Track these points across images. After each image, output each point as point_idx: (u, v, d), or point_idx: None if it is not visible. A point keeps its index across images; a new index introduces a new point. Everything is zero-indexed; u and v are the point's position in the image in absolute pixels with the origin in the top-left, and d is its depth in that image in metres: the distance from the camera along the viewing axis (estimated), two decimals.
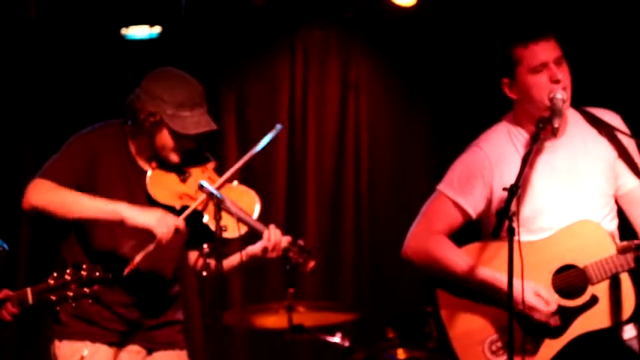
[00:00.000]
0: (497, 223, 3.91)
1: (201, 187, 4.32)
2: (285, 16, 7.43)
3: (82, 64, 7.21)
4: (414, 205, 7.02)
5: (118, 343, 4.31)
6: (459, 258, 4.28)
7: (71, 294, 3.65)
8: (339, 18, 7.44)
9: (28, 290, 3.68)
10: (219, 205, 4.25)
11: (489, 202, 4.32)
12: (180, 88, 4.35)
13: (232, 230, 4.27)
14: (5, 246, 3.82)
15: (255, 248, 4.37)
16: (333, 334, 6.16)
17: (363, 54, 7.67)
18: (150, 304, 4.35)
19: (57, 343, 4.29)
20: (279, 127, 4.56)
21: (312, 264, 4.41)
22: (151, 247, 4.17)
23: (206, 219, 4.32)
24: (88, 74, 7.22)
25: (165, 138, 4.32)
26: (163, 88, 4.32)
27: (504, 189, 3.95)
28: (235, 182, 4.43)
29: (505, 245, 4.00)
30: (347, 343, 6.08)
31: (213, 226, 4.28)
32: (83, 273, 3.67)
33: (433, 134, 7.63)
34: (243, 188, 4.44)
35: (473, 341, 4.26)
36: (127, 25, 7.01)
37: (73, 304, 3.68)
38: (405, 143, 7.71)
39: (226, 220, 4.23)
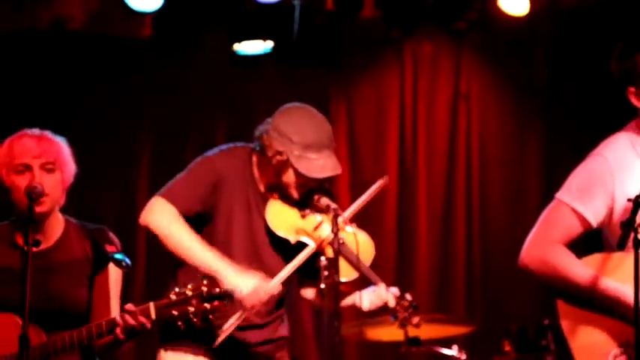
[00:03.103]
0: (622, 235, 3.83)
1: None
2: (394, 27, 7.43)
3: (194, 79, 7.33)
4: (526, 216, 6.99)
5: (221, 356, 4.32)
6: (579, 268, 4.20)
7: (192, 309, 3.69)
8: (450, 28, 7.41)
9: (151, 305, 3.73)
10: (336, 218, 4.27)
11: (611, 211, 4.23)
12: (310, 129, 4.34)
13: (346, 274, 4.29)
14: (128, 261, 3.88)
15: (361, 302, 4.38)
16: (448, 347, 6.14)
17: (474, 64, 7.63)
18: (255, 327, 4.37)
19: (162, 352, 4.35)
20: (384, 179, 4.58)
21: (416, 320, 4.41)
22: (241, 316, 4.20)
23: (323, 261, 4.33)
24: (200, 89, 7.35)
25: (290, 177, 4.34)
26: (293, 129, 4.31)
27: (629, 200, 3.88)
28: (354, 225, 4.43)
29: (627, 257, 3.93)
30: (463, 356, 6.05)
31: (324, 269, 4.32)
32: (204, 288, 3.70)
33: (547, 144, 7.54)
34: (361, 233, 4.43)
35: (595, 354, 4.18)
36: (239, 41, 7.10)
37: (194, 320, 3.72)
38: (517, 154, 7.63)
39: (341, 262, 4.26)
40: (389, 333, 6.19)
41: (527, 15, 7.07)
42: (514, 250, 4.31)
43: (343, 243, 4.26)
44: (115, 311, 3.91)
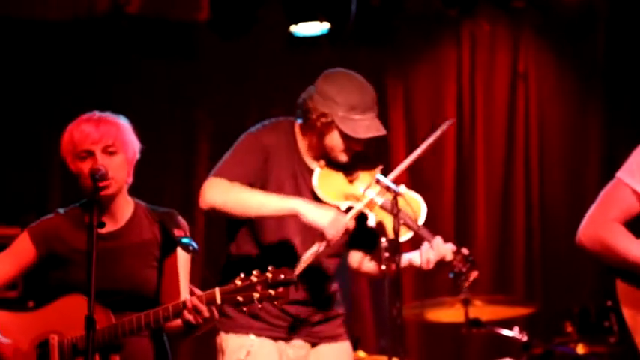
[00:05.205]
0: None
1: (378, 181, 4.33)
2: (451, 7, 7.38)
3: (251, 61, 7.35)
4: (586, 196, 6.93)
5: (283, 338, 4.35)
6: (636, 247, 4.18)
7: (257, 295, 3.69)
8: (508, 7, 7.35)
9: (217, 290, 3.74)
10: (396, 199, 4.25)
11: None
12: (354, 91, 4.34)
13: (401, 233, 4.28)
14: (195, 245, 3.90)
15: (415, 257, 4.36)
16: (509, 328, 6.12)
17: (532, 43, 7.57)
18: (314, 301, 4.38)
19: (223, 335, 4.35)
20: (449, 122, 4.51)
21: (475, 274, 4.37)
22: (320, 247, 4.20)
23: (371, 221, 4.32)
24: (257, 72, 7.37)
25: (335, 139, 4.33)
26: (337, 90, 4.32)
27: None
28: (402, 186, 4.40)
29: None
30: (524, 337, 6.02)
31: (378, 228, 4.29)
32: (269, 275, 3.71)
33: (607, 124, 7.47)
34: (411, 193, 4.41)
35: None
36: (296, 22, 7.10)
37: (259, 306, 3.73)
38: (577, 134, 7.58)
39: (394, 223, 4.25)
40: (449, 314, 6.19)
41: None
42: (574, 231, 4.28)
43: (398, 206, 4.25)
44: (184, 294, 3.93)
